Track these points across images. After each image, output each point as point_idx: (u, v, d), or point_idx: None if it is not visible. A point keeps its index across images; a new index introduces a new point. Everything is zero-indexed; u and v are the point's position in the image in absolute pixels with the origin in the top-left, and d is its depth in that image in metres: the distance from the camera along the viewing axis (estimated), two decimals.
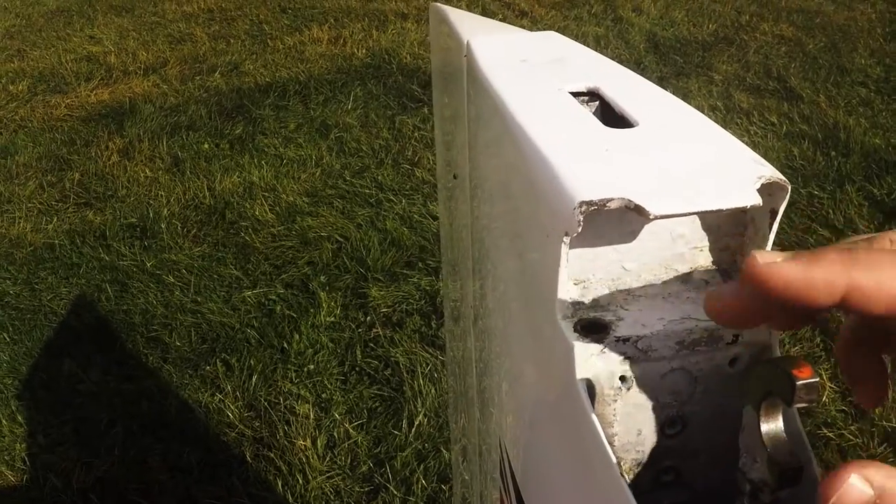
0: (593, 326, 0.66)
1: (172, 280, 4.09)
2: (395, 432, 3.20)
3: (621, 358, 0.65)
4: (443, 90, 1.18)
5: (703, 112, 0.76)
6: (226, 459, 3.15)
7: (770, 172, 0.63)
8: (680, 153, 0.67)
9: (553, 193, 0.63)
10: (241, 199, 4.75)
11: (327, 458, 3.13)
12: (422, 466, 3.06)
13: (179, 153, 5.31)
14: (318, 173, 5.00)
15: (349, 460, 3.13)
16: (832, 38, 6.40)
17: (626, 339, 0.64)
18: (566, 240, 0.62)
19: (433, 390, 3.35)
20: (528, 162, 0.70)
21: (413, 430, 3.20)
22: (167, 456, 3.16)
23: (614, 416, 0.67)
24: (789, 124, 5.24)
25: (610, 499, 0.60)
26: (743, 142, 0.70)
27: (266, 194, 4.79)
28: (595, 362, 0.64)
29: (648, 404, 0.68)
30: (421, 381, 3.39)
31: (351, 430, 3.22)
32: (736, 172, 0.63)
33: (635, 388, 0.66)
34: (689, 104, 0.78)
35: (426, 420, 3.23)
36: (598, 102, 0.83)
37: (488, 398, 1.07)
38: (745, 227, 0.69)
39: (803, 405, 0.53)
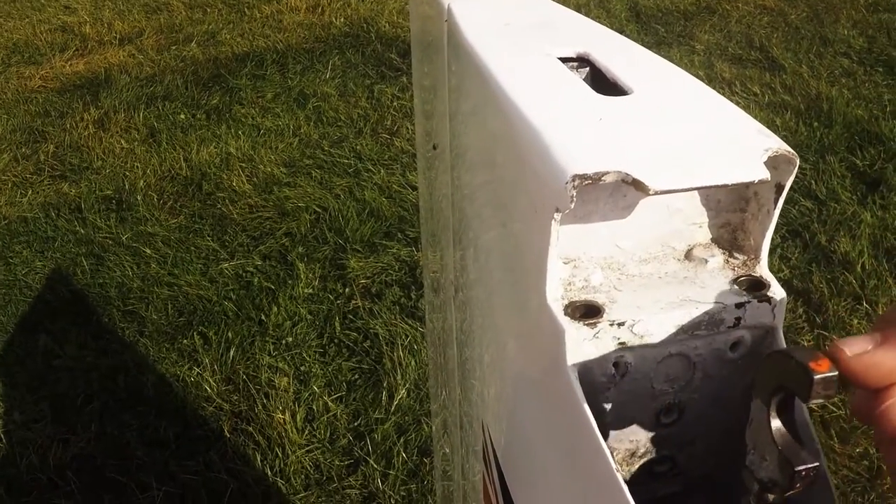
0: (585, 309, 0.61)
1: (149, 252, 4.04)
2: (375, 405, 3.16)
3: (615, 343, 0.61)
4: (422, 58, 1.14)
5: None
6: (204, 434, 3.12)
7: (777, 144, 0.59)
8: (679, 123, 0.63)
9: (543, 166, 0.59)
10: (218, 170, 4.71)
11: (306, 432, 3.10)
12: (402, 440, 3.03)
13: (155, 124, 5.26)
14: (295, 143, 4.95)
15: (328, 434, 3.10)
16: (815, 8, 6.37)
17: (620, 323, 0.60)
18: (557, 216, 0.57)
19: (413, 362, 3.32)
20: (515, 132, 0.65)
21: (393, 402, 3.17)
22: (144, 431, 3.13)
23: (607, 404, 0.63)
24: (771, 94, 5.21)
25: (602, 491, 0.56)
26: None
27: (243, 165, 4.74)
28: (587, 348, 0.60)
29: (644, 392, 0.64)
30: (401, 352, 3.36)
31: (330, 403, 3.19)
32: (740, 144, 0.59)
33: (630, 375, 0.63)
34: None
35: (406, 393, 3.20)
36: (588, 69, 0.78)
37: (469, 370, 1.04)
38: (747, 203, 0.65)
39: (820, 401, 0.49)
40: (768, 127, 0.61)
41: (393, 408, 3.15)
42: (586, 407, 0.56)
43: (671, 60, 0.77)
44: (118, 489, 2.92)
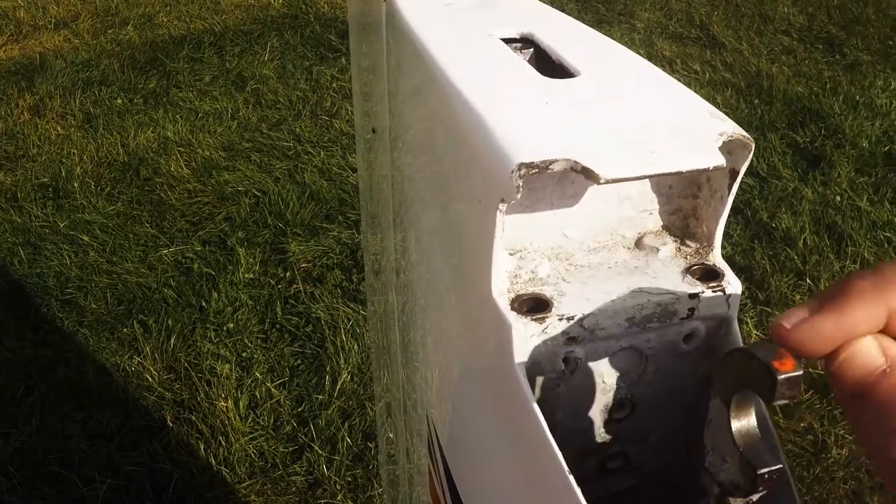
0: (533, 303, 0.59)
1: (87, 240, 3.98)
2: (319, 390, 3.14)
3: (565, 338, 0.58)
4: (361, 38, 1.11)
5: None
6: (146, 424, 3.08)
7: (732, 129, 0.56)
8: (629, 106, 0.60)
9: (486, 154, 0.56)
10: (156, 155, 4.64)
11: (250, 419, 3.07)
12: (346, 424, 3.01)
13: (92, 109, 5.18)
14: (234, 126, 4.90)
15: (272, 420, 3.07)
16: None
17: (569, 318, 0.57)
18: (502, 207, 0.54)
19: (356, 346, 3.30)
20: (457, 117, 0.62)
21: (336, 387, 3.15)
22: (87, 423, 3.08)
23: (557, 401, 0.61)
24: (712, 72, 5.24)
25: (552, 491, 0.54)
26: None
27: (181, 149, 4.68)
28: (536, 344, 0.57)
29: (594, 387, 0.62)
30: (343, 336, 3.34)
31: (273, 390, 3.16)
32: (694, 129, 0.57)
33: (580, 371, 0.60)
34: None
35: (349, 377, 3.18)
36: (532, 50, 0.75)
37: (412, 353, 1.02)
38: (699, 188, 0.63)
39: (784, 402, 0.47)
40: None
41: (336, 392, 3.13)
42: (535, 406, 0.54)
43: (612, 39, 0.75)
44: (61, 483, 2.87)
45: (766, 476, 0.50)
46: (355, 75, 1.21)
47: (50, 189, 4.42)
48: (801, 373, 0.46)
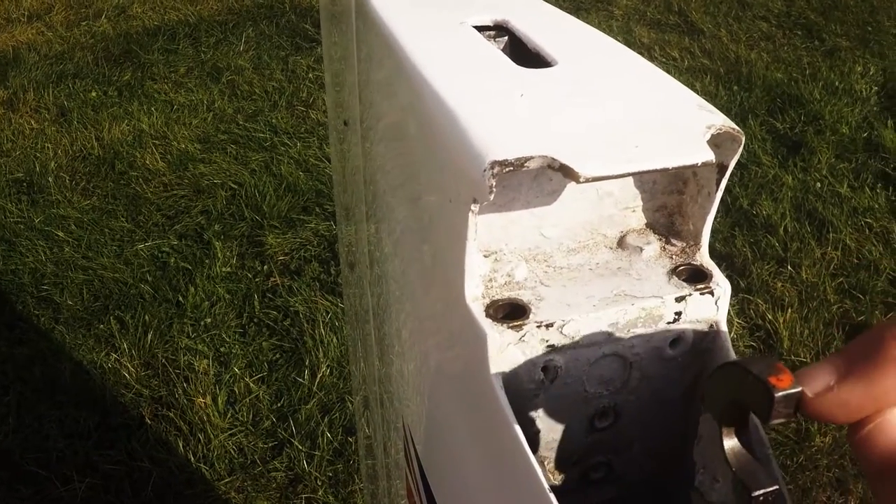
0: (509, 309, 0.55)
1: (62, 236, 3.94)
2: (298, 385, 3.11)
3: (543, 346, 0.54)
4: (332, 28, 1.08)
5: None
6: (124, 422, 3.04)
7: (721, 121, 0.53)
8: (610, 98, 0.56)
9: (458, 151, 0.52)
10: (131, 148, 4.60)
11: (229, 415, 3.04)
12: (326, 419, 2.99)
13: (66, 103, 5.13)
14: (209, 118, 4.87)
15: (251, 416, 3.04)
16: None
17: (548, 324, 0.54)
18: (474, 208, 0.51)
19: (335, 339, 3.28)
20: (427, 111, 0.58)
21: (316, 381, 3.12)
22: (64, 422, 3.04)
23: (536, 411, 0.57)
24: (691, 59, 5.22)
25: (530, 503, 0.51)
26: None
27: (156, 142, 4.65)
28: (512, 353, 0.54)
29: (576, 396, 0.58)
30: (322, 330, 3.32)
31: (252, 385, 3.13)
32: (680, 122, 0.53)
33: (560, 380, 0.57)
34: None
35: (329, 370, 3.16)
36: (506, 38, 0.72)
37: (388, 345, 1.00)
38: (685, 184, 0.59)
39: (781, 421, 0.43)
40: None
41: (316, 386, 3.11)
42: (513, 418, 0.51)
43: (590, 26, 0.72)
44: (38, 483, 2.84)
45: (762, 498, 0.47)
46: (327, 66, 1.19)
47: (24, 184, 4.37)
48: (799, 389, 0.42)
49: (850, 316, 3.37)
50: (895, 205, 3.93)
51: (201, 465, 2.88)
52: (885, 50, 5.30)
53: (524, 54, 0.67)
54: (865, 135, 4.41)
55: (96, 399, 3.13)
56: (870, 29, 5.55)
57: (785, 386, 0.42)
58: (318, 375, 3.14)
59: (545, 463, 0.59)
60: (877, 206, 3.92)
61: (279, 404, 3.07)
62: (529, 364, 0.54)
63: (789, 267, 3.57)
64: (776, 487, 0.47)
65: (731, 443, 0.48)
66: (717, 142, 0.52)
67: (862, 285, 3.48)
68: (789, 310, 3.36)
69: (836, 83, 4.88)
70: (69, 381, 3.19)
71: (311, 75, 5.27)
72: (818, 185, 4.04)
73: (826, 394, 0.42)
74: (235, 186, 4.21)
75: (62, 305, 3.55)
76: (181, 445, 2.94)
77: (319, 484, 2.81)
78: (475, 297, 0.56)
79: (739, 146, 0.53)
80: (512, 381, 0.54)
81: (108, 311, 3.51)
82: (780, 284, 3.49)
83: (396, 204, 0.81)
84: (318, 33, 5.34)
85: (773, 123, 4.48)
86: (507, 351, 0.53)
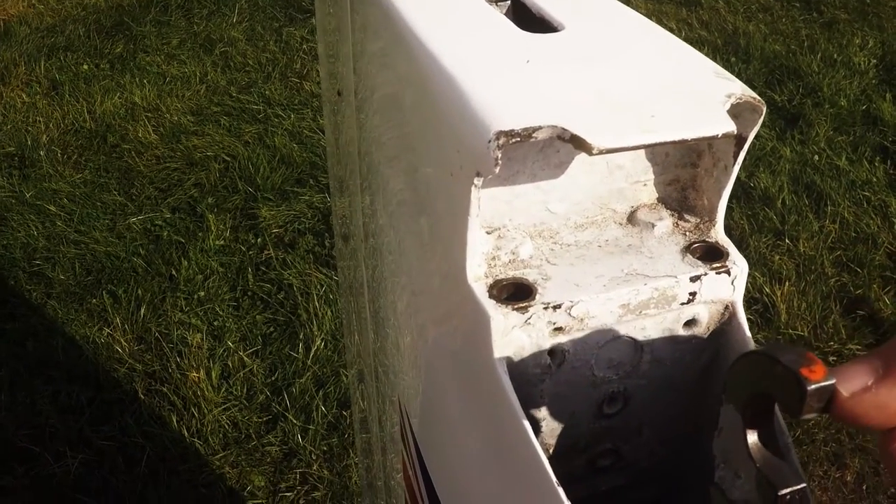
0: (514, 289, 0.52)
1: (54, 210, 3.91)
2: (292, 358, 3.09)
3: (550, 329, 0.51)
4: None
5: None
6: (118, 397, 3.03)
7: (740, 90, 0.49)
8: (622, 64, 0.53)
9: (461, 121, 0.48)
10: (123, 121, 4.57)
11: (222, 389, 3.02)
12: (321, 392, 2.97)
13: (58, 76, 5.09)
14: (202, 90, 4.83)
15: (245, 390, 3.03)
16: None
17: (555, 306, 0.51)
18: (478, 182, 0.47)
19: (329, 312, 3.26)
20: (427, 79, 0.55)
21: (310, 355, 3.11)
22: (57, 397, 3.02)
23: (542, 397, 0.54)
24: (688, 30, 5.19)
25: (534, 492, 0.48)
26: None
27: (149, 115, 4.61)
28: (518, 336, 0.51)
29: (584, 381, 0.55)
30: (316, 303, 3.29)
31: (246, 359, 3.11)
32: (697, 90, 0.49)
33: (568, 364, 0.54)
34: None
35: (323, 344, 3.14)
36: (509, 2, 0.68)
37: (383, 318, 0.98)
38: (699, 156, 0.56)
39: (812, 416, 0.40)
40: None
41: (310, 360, 3.09)
42: (518, 406, 0.48)
43: None
44: (32, 459, 2.83)
45: (788, 497, 0.44)
46: (321, 36, 1.16)
47: (15, 158, 4.33)
48: (833, 382, 0.39)
49: (847, 289, 3.36)
50: (893, 178, 3.92)
51: (195, 439, 2.86)
52: (884, 22, 5.28)
53: (529, 19, 0.64)
54: (864, 108, 4.40)
55: (89, 374, 3.11)
56: (868, 1, 5.52)
57: (818, 378, 0.39)
58: (313, 349, 3.12)
59: (550, 450, 0.57)
60: (875, 179, 3.90)
61: (273, 378, 3.06)
62: (535, 348, 0.51)
63: (787, 240, 3.55)
64: (803, 486, 0.44)
65: (754, 438, 0.45)
66: (735, 111, 0.49)
67: (860, 259, 3.47)
68: (787, 283, 3.34)
69: (835, 55, 4.86)
70: (62, 356, 3.17)
71: (304, 46, 5.24)
72: (816, 157, 4.02)
73: (863, 394, 0.39)
74: (229, 159, 4.18)
75: (54, 280, 3.52)
76: (175, 420, 2.92)
77: (314, 458, 2.80)
78: (477, 276, 0.53)
79: (760, 117, 0.50)
80: (517, 365, 0.51)
81: (101, 285, 3.48)
82: (777, 257, 3.48)
83: (392, 176, 0.78)
84: (313, 4, 5.31)
85: (772, 95, 4.46)
86: (511, 334, 0.50)
